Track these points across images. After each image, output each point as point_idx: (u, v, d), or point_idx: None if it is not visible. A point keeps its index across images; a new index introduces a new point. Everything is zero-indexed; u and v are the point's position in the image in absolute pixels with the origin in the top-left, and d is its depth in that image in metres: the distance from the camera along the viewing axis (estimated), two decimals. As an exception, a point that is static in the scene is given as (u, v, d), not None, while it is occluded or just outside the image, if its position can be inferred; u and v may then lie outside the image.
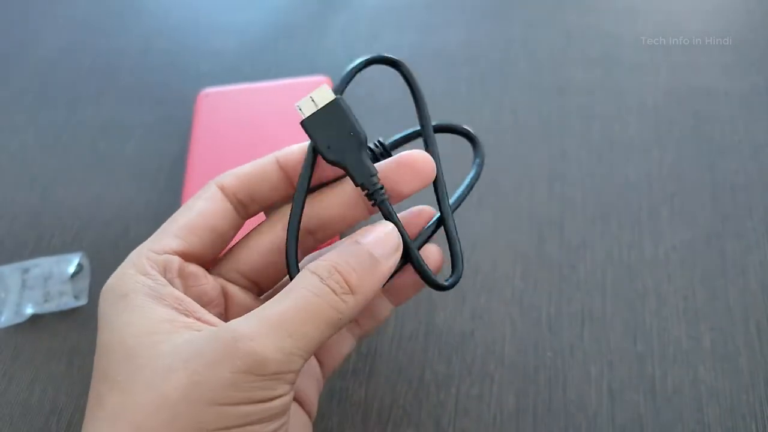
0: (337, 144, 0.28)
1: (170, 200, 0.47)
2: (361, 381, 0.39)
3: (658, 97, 0.48)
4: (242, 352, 0.22)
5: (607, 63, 0.51)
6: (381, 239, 0.27)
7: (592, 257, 0.42)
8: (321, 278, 0.24)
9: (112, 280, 0.26)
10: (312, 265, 0.25)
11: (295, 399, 0.30)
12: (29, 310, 0.42)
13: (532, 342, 0.39)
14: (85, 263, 0.44)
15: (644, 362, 0.38)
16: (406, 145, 0.33)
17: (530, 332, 0.39)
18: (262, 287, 0.31)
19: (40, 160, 0.51)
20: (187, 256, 0.28)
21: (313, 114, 0.28)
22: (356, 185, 0.28)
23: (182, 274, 0.27)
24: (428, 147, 0.32)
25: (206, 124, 0.48)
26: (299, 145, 0.30)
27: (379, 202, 0.28)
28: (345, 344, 0.33)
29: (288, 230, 0.28)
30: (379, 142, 0.32)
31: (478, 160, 0.33)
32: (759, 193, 0.43)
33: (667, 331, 0.39)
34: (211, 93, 0.50)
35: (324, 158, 0.28)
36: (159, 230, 0.28)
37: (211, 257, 0.29)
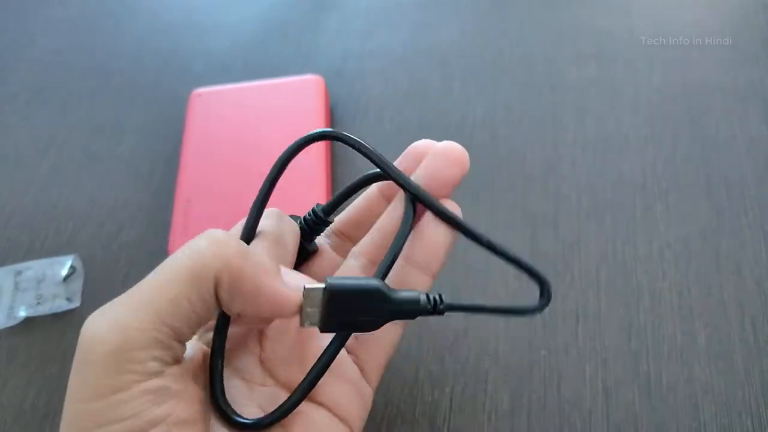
0: (366, 316, 0.26)
1: (164, 201, 0.47)
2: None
3: (653, 93, 0.48)
4: (81, 332, 0.23)
5: (600, 59, 0.51)
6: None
7: (586, 254, 0.42)
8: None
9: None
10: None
11: (336, 414, 0.28)
12: (22, 313, 0.42)
13: (527, 340, 0.39)
14: (78, 265, 0.44)
15: (639, 360, 0.38)
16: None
17: (524, 330, 0.39)
18: None
19: (33, 161, 0.51)
20: None
21: (323, 317, 0.25)
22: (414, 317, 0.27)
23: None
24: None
25: (199, 123, 0.48)
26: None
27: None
28: (386, 337, 0.31)
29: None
30: (312, 212, 0.30)
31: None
32: (754, 190, 0.43)
33: (661, 329, 0.39)
34: (203, 93, 0.49)
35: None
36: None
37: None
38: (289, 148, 0.28)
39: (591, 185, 0.44)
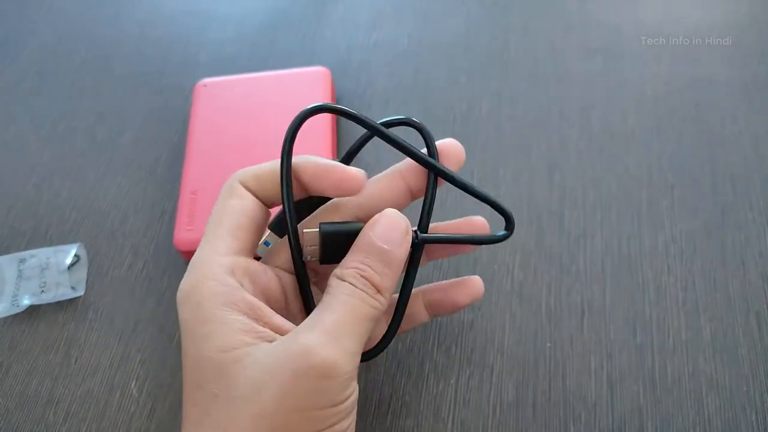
0: None
1: (168, 190, 0.47)
2: (360, 372, 0.38)
3: (658, 88, 0.48)
4: (316, 362, 0.25)
5: (606, 53, 0.51)
6: (388, 228, 0.29)
7: (591, 248, 0.42)
8: (353, 285, 0.28)
9: (186, 287, 0.28)
10: (339, 272, 0.29)
11: None
12: (26, 301, 0.42)
13: (532, 333, 0.39)
14: (83, 254, 0.44)
15: (644, 353, 0.38)
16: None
17: (530, 323, 0.39)
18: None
19: (37, 150, 0.50)
20: (246, 253, 0.30)
21: (320, 253, 0.31)
22: None
23: (248, 273, 0.29)
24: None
25: (204, 114, 0.48)
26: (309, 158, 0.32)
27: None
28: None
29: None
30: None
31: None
32: (759, 184, 0.43)
33: (666, 322, 0.39)
34: (208, 83, 0.49)
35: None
36: (209, 234, 0.30)
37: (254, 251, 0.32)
38: (291, 124, 0.31)
39: (596, 179, 0.44)
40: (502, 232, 0.35)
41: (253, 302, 0.28)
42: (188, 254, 0.41)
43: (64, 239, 0.45)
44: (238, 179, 0.31)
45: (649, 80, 0.49)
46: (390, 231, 0.29)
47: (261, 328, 0.27)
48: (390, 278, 0.29)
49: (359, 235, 0.30)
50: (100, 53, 0.56)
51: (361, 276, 0.28)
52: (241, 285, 0.28)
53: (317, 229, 0.30)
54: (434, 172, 0.33)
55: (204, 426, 0.26)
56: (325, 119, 0.46)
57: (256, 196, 0.31)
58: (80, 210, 0.47)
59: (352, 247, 0.30)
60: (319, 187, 0.31)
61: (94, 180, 0.48)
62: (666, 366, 0.37)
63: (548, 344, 0.39)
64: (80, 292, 0.43)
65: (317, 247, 0.31)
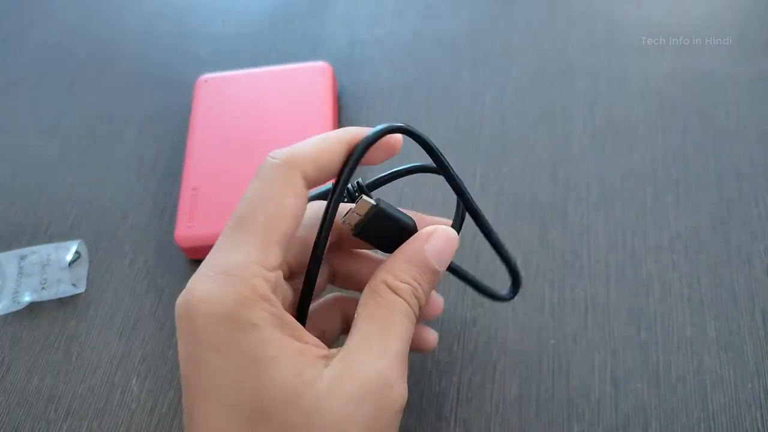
0: (390, 241, 0.30)
1: (169, 187, 0.47)
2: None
3: (663, 82, 0.48)
4: (396, 396, 0.25)
5: (610, 47, 0.50)
6: (443, 248, 0.29)
7: (595, 244, 0.41)
8: (408, 305, 0.27)
9: (228, 303, 0.24)
10: (392, 283, 0.27)
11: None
12: (27, 298, 0.42)
13: (535, 330, 0.39)
14: (83, 251, 0.44)
15: (648, 350, 0.37)
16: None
17: (533, 320, 0.39)
18: (294, 271, 0.30)
19: (38, 147, 0.50)
20: (283, 270, 0.28)
21: (360, 224, 0.29)
22: None
23: (279, 290, 0.26)
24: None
25: (206, 109, 0.47)
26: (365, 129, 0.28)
27: None
28: None
29: (304, 284, 0.28)
30: (357, 183, 0.30)
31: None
32: (765, 180, 0.43)
33: (671, 319, 0.38)
34: (210, 78, 0.49)
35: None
36: (256, 235, 0.25)
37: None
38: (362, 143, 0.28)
39: (600, 175, 0.44)
40: (505, 292, 0.36)
41: (289, 321, 0.25)
42: (188, 251, 0.41)
43: (65, 236, 0.45)
44: (299, 169, 0.26)
45: (654, 75, 0.48)
46: (445, 251, 0.29)
47: (306, 346, 0.25)
48: (428, 293, 0.29)
49: (413, 242, 0.28)
50: (102, 49, 0.56)
51: (415, 296, 0.27)
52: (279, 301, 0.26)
53: (373, 201, 0.28)
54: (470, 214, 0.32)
55: None
56: (326, 100, 0.47)
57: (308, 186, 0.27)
58: (81, 206, 0.47)
59: (404, 253, 0.28)
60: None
61: (95, 177, 0.48)
62: (670, 363, 0.37)
63: (551, 341, 0.38)
64: (81, 289, 0.43)
65: (361, 217, 0.28)
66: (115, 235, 0.45)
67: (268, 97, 0.47)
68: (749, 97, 0.46)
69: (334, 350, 0.26)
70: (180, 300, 0.25)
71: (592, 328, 0.38)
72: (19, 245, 0.45)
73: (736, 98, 0.46)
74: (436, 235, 0.28)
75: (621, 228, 0.42)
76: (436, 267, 0.28)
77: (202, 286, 0.24)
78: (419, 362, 0.38)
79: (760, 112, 0.46)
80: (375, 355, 0.25)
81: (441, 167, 0.30)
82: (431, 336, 0.36)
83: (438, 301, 0.36)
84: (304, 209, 0.26)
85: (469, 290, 0.40)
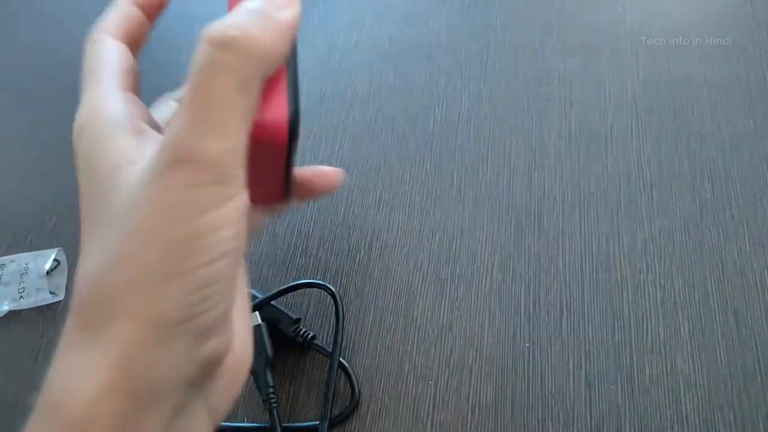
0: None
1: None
2: (339, 374, 0.38)
3: (637, 87, 0.48)
4: (186, 161, 0.21)
5: (585, 52, 0.50)
6: None
7: (570, 247, 0.42)
8: (215, 47, 0.22)
9: (81, 122, 0.27)
10: (205, 32, 0.23)
11: None
12: (5, 307, 0.42)
13: (511, 333, 0.39)
14: (62, 259, 0.44)
15: (622, 352, 0.38)
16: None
17: (509, 323, 0.39)
18: None
19: (16, 155, 0.50)
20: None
21: None
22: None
23: (145, 113, 0.28)
24: None
25: None
26: None
27: (269, 408, 0.37)
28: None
29: None
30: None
31: None
32: (738, 183, 0.43)
33: (644, 321, 0.39)
34: None
35: None
36: (91, 80, 0.29)
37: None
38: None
39: (575, 178, 0.44)
40: None
41: (145, 129, 0.26)
42: None
43: (43, 244, 0.45)
44: (103, 30, 0.30)
45: (628, 79, 0.49)
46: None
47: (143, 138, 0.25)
48: (267, 37, 0.23)
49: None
50: (81, 55, 0.56)
51: (228, 34, 0.23)
52: (135, 113, 0.26)
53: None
54: None
55: (89, 255, 0.23)
56: None
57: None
58: (60, 214, 0.47)
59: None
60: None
61: (73, 185, 0.48)
62: (644, 365, 0.37)
63: (527, 344, 0.39)
64: (60, 297, 0.43)
65: None
66: (94, 242, 0.45)
67: None
68: (722, 101, 0.47)
69: None
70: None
71: (567, 331, 0.39)
72: (-2, 254, 0.45)
73: (710, 102, 0.47)
74: None
75: (595, 231, 0.42)
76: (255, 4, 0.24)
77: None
78: (396, 366, 0.38)
79: (734, 116, 0.46)
80: (173, 125, 0.22)
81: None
82: (328, 174, 0.32)
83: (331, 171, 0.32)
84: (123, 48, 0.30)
85: (446, 295, 0.40)
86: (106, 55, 0.29)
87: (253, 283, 0.43)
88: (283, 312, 0.40)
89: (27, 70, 0.56)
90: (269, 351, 0.38)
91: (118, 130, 0.25)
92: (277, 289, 0.40)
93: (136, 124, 0.26)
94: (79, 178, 0.26)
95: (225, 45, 0.22)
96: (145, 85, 0.52)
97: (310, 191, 0.32)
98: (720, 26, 0.51)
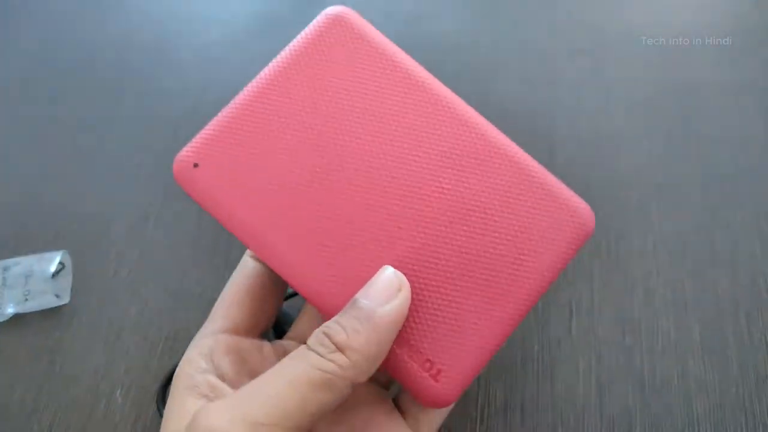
0: None
1: (152, 196, 0.46)
2: (346, 377, 0.38)
3: (648, 89, 0.48)
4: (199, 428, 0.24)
5: (596, 54, 0.50)
6: (372, 284, 0.27)
7: (580, 249, 0.41)
8: (308, 346, 0.25)
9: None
10: (316, 339, 0.26)
11: None
12: (10, 310, 0.42)
13: (520, 335, 0.39)
14: (67, 261, 0.44)
15: (633, 355, 0.37)
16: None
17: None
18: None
19: (20, 157, 0.50)
20: (238, 331, 0.30)
21: None
22: None
23: (234, 351, 0.29)
24: None
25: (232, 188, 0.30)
26: None
27: None
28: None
29: None
30: None
31: None
32: (748, 185, 0.43)
33: (655, 324, 0.38)
34: (203, 159, 0.30)
35: None
36: (212, 311, 0.30)
37: (264, 325, 0.32)
38: None
39: (585, 180, 0.44)
40: None
41: (215, 384, 0.27)
42: None
43: (48, 247, 0.45)
44: (248, 253, 0.32)
45: (638, 81, 0.48)
46: (373, 286, 0.26)
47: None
48: (364, 337, 0.25)
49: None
50: (84, 57, 0.56)
51: (323, 333, 0.25)
52: (219, 366, 0.27)
53: None
54: None
55: None
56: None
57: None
58: (64, 217, 0.46)
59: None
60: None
61: (78, 187, 0.48)
62: (655, 367, 0.37)
63: (536, 347, 0.38)
64: (65, 300, 0.42)
65: None
66: (99, 245, 0.45)
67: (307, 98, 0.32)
68: (733, 103, 0.46)
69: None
70: None
71: (577, 333, 0.38)
72: (2, 256, 0.45)
73: (719, 104, 0.47)
74: (370, 281, 0.27)
75: (605, 233, 0.42)
76: (363, 301, 0.26)
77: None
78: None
79: (744, 118, 0.46)
80: (214, 409, 0.24)
81: None
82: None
83: None
84: (253, 278, 0.31)
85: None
86: (228, 288, 0.31)
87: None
88: (287, 314, 0.39)
89: (29, 72, 0.56)
90: None
91: (187, 390, 0.27)
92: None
93: (208, 382, 0.27)
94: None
95: (322, 347, 0.25)
96: (146, 85, 0.53)
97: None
98: (732, 31, 0.50)
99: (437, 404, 0.27)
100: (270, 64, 0.33)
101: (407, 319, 0.27)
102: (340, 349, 0.25)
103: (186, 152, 0.30)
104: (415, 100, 0.32)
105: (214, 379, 0.27)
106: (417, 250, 0.28)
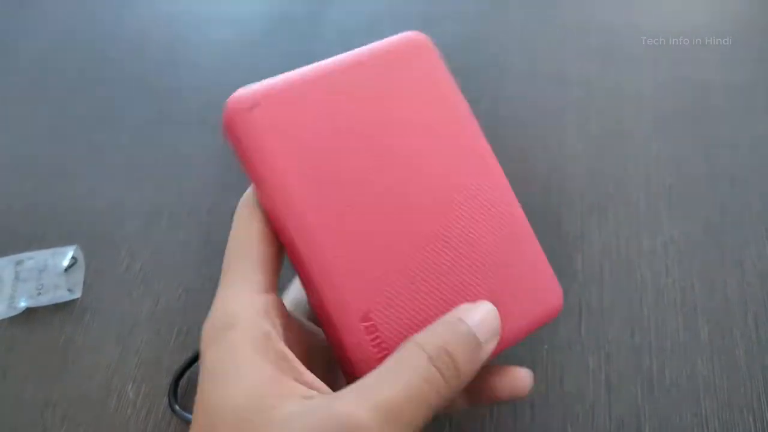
0: None
1: (165, 193, 0.47)
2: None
3: (657, 89, 0.48)
4: None
5: (605, 55, 0.50)
6: (485, 321, 0.26)
7: (589, 249, 0.42)
8: (430, 357, 0.24)
9: (217, 327, 0.25)
10: (420, 339, 0.24)
11: None
12: (23, 304, 0.42)
13: (529, 335, 0.39)
14: (80, 256, 0.44)
15: (642, 355, 0.38)
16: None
17: (527, 325, 0.39)
18: None
19: (35, 153, 0.50)
20: (275, 291, 0.27)
21: None
22: None
23: (282, 316, 0.26)
24: None
25: (282, 155, 0.27)
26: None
27: None
28: None
29: None
30: None
31: None
32: (757, 185, 0.43)
33: (664, 324, 0.39)
34: (261, 100, 0.27)
35: None
36: (237, 264, 0.27)
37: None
38: None
39: (594, 181, 0.44)
40: None
41: (285, 353, 0.24)
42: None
43: (61, 241, 0.45)
44: (253, 204, 0.27)
45: (647, 81, 0.49)
46: (486, 325, 0.26)
47: (293, 384, 0.23)
48: (470, 368, 0.25)
49: (447, 319, 0.26)
50: (98, 55, 0.56)
51: (446, 351, 0.24)
52: (274, 329, 0.25)
53: None
54: None
55: None
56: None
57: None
58: (77, 212, 0.47)
59: (437, 326, 0.25)
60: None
61: (91, 182, 0.48)
62: (664, 367, 0.37)
63: (545, 346, 0.38)
64: (77, 295, 0.43)
65: None
66: (112, 240, 0.45)
67: (365, 101, 0.30)
68: (742, 104, 0.47)
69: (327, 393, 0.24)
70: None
71: (586, 333, 0.39)
72: (16, 251, 0.45)
73: (729, 104, 0.47)
74: (477, 308, 0.26)
75: (615, 233, 0.42)
76: (478, 335, 0.25)
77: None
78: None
79: (753, 119, 0.46)
80: (349, 395, 0.23)
81: None
82: (520, 379, 0.32)
83: (515, 374, 0.32)
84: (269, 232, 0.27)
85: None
86: (255, 241, 0.27)
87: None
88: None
89: (44, 69, 0.56)
90: None
91: (259, 355, 0.24)
92: None
93: (275, 348, 0.24)
94: (206, 391, 0.24)
95: (446, 368, 0.24)
96: (146, 85, 0.53)
97: (492, 395, 0.32)
98: (740, 31, 0.51)
99: None
100: (342, 54, 0.33)
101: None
102: (458, 374, 0.24)
103: (244, 92, 0.27)
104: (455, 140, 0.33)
105: (283, 348, 0.24)
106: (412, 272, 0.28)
